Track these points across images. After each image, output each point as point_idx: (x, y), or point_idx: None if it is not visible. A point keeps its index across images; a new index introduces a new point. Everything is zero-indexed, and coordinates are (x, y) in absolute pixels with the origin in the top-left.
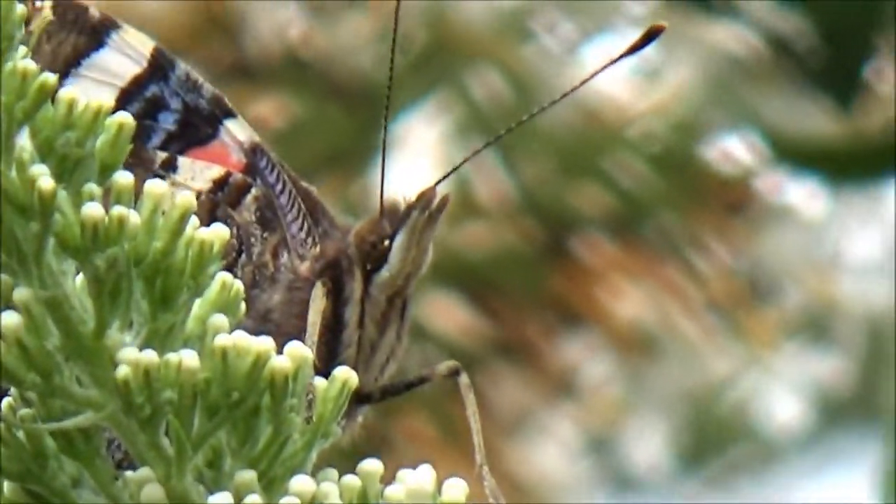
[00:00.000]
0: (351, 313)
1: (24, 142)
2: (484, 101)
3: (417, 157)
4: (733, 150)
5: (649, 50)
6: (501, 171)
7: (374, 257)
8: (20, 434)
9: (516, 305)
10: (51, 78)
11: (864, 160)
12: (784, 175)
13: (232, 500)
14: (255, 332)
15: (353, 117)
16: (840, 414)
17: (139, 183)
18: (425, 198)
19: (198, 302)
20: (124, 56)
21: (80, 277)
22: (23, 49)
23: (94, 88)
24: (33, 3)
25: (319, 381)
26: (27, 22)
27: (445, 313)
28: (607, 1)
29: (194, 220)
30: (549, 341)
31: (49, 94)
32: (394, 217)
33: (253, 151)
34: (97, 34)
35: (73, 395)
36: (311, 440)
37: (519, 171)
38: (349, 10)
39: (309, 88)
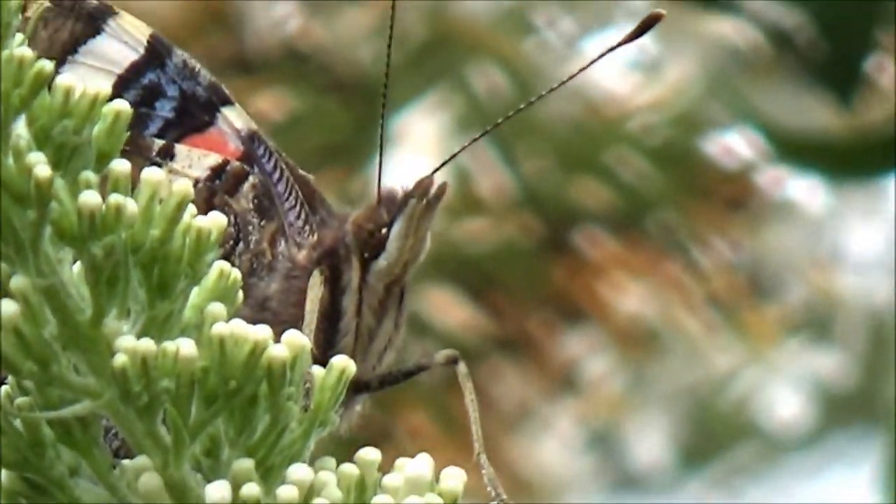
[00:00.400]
0: (348, 302)
1: (20, 129)
2: (484, 95)
3: (417, 151)
4: (734, 144)
5: (649, 43)
6: (501, 166)
7: (371, 245)
8: (17, 423)
9: (517, 300)
10: (48, 65)
11: (865, 155)
12: (785, 170)
13: (229, 489)
14: (253, 321)
15: (352, 111)
16: (841, 410)
17: (136, 171)
18: (423, 186)
19: (195, 290)
20: (121, 43)
21: (78, 266)
22: (20, 36)
23: (91, 76)
24: None
25: (317, 370)
26: (24, 9)
27: (446, 308)
28: None
29: (192, 208)
30: (549, 336)
31: (46, 82)
32: (391, 205)
33: (250, 139)
34: (94, 21)
35: (71, 384)
36: (308, 429)
37: (519, 165)
38: (348, 3)
39: (308, 82)
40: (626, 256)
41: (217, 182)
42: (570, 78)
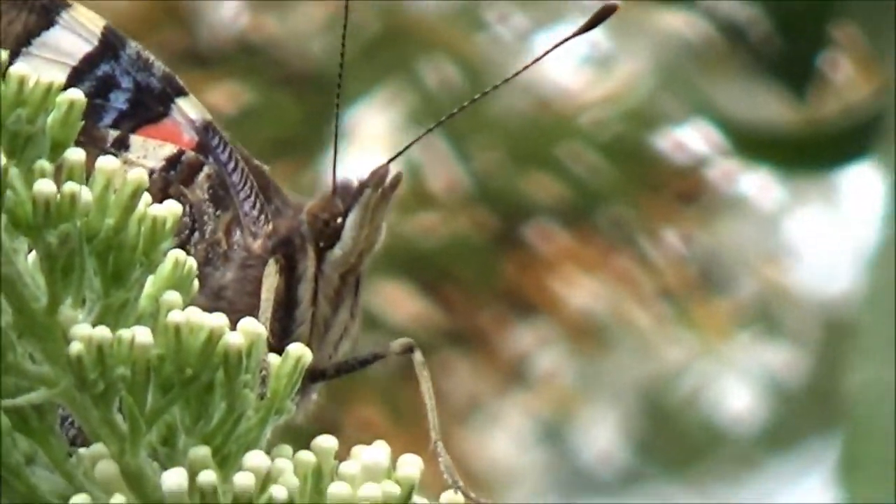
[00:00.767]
0: (304, 290)
1: None
2: (436, 89)
3: (369, 144)
4: (686, 139)
5: (601, 38)
6: (453, 160)
7: (326, 235)
8: None
9: (468, 294)
10: (2, 55)
11: (818, 149)
12: (737, 164)
13: (186, 477)
14: (209, 310)
15: (304, 104)
16: (793, 404)
17: (91, 162)
18: (378, 175)
19: (151, 279)
20: (75, 35)
21: (33, 255)
22: None
23: (45, 67)
24: None
25: (273, 358)
26: None
27: (397, 302)
28: None
29: (146, 197)
30: (500, 330)
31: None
32: (346, 195)
33: (205, 129)
34: (48, 13)
35: (26, 372)
36: (265, 416)
37: (471, 159)
38: None
39: (260, 76)
40: (577, 250)
41: (172, 172)
42: (523, 69)
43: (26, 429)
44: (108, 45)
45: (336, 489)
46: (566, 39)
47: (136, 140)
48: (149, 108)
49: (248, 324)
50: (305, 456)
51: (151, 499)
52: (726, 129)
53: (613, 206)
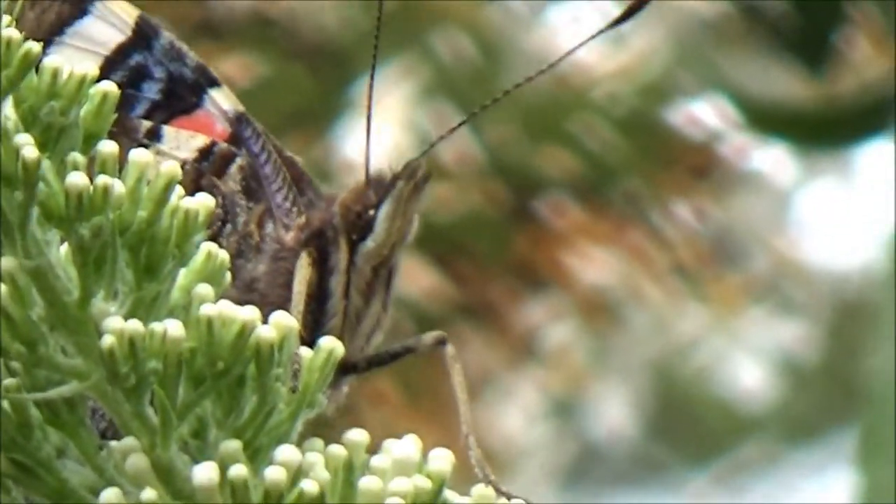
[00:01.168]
0: (336, 283)
1: (7, 111)
2: (450, 62)
3: (383, 118)
4: (700, 114)
5: (617, 12)
6: (467, 134)
7: (359, 227)
8: (5, 404)
9: (481, 268)
10: (35, 46)
11: (833, 126)
12: (752, 140)
13: (217, 471)
14: (240, 302)
15: (318, 77)
16: (805, 380)
17: (123, 152)
18: (411, 168)
19: (183, 272)
20: (108, 24)
21: (65, 247)
22: (6, 17)
23: (77, 57)
24: None
25: (305, 351)
26: None
27: (410, 276)
28: None
29: (179, 190)
30: (512, 304)
31: (33, 63)
32: (379, 187)
33: (238, 121)
34: (81, 2)
35: (58, 365)
36: (296, 410)
37: (485, 133)
38: None
39: (274, 48)
40: (590, 225)
41: (204, 164)
42: (559, 61)
43: (57, 422)
44: (141, 35)
45: (367, 483)
46: (600, 32)
47: (168, 131)
48: (181, 98)
49: (279, 317)
50: (336, 450)
51: (182, 493)
52: (741, 105)
53: (627, 181)
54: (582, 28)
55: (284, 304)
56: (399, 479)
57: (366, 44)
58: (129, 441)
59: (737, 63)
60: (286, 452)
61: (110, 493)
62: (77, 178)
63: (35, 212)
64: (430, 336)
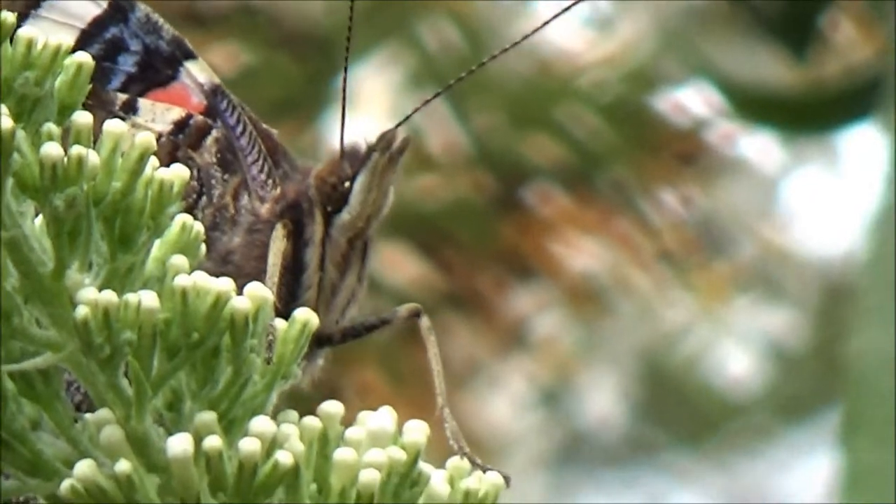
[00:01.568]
0: (311, 255)
1: None
2: (436, 50)
3: (368, 106)
4: (686, 100)
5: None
6: (453, 122)
7: (334, 199)
8: None
9: (467, 257)
10: (9, 17)
11: (818, 110)
12: (738, 126)
13: (191, 442)
14: (216, 274)
15: (304, 65)
16: (793, 368)
17: (98, 124)
18: (386, 139)
19: (157, 243)
20: None
21: (39, 218)
22: None
23: (53, 30)
24: None
25: (280, 323)
26: None
27: (396, 264)
28: None
29: (154, 161)
30: (500, 293)
31: (8, 34)
32: (354, 159)
33: (213, 93)
34: None
35: (32, 337)
36: (271, 381)
37: (470, 121)
38: None
39: (260, 36)
40: (577, 213)
41: (180, 136)
42: (526, 37)
43: (31, 394)
44: (118, 8)
45: (342, 455)
46: (567, 8)
47: (144, 103)
48: (157, 71)
49: (254, 288)
50: (311, 422)
51: (157, 464)
52: (726, 91)
53: (613, 169)
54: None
55: (259, 276)
56: (374, 450)
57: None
58: (103, 413)
59: (722, 49)
60: (261, 424)
61: (84, 466)
62: (51, 149)
63: (9, 182)
64: (405, 308)
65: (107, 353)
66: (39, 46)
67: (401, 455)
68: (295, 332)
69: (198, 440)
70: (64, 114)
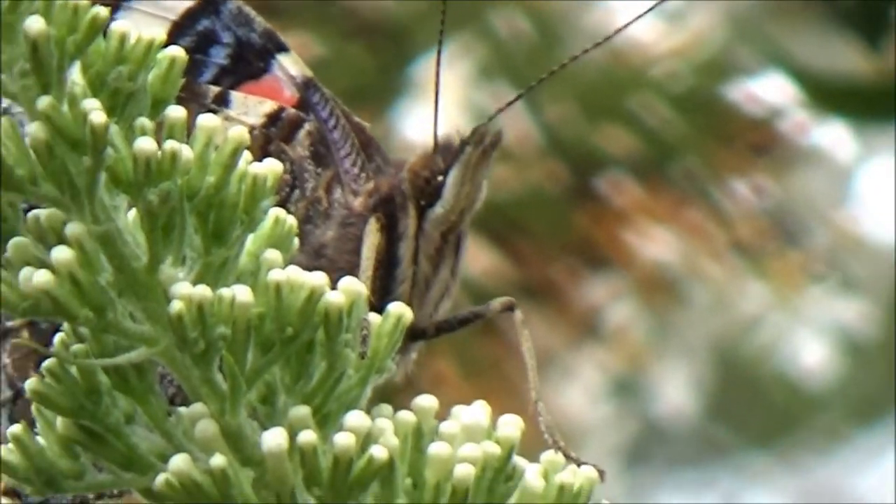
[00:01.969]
0: (405, 249)
1: (75, 76)
2: (508, 41)
3: (441, 97)
4: (759, 90)
5: None
6: (526, 113)
7: (427, 193)
8: (73, 370)
9: (541, 247)
10: (102, 11)
11: (892, 99)
12: (811, 115)
13: (286, 436)
14: (309, 268)
15: (376, 56)
16: (866, 357)
17: (191, 118)
18: (479, 133)
19: (251, 237)
20: None
21: (133, 212)
22: None
23: (145, 22)
24: None
25: (374, 317)
26: None
27: (470, 255)
28: None
29: (247, 155)
30: (573, 283)
31: (101, 28)
32: (447, 153)
33: (306, 86)
34: None
35: (127, 331)
36: (365, 376)
37: (544, 112)
38: None
39: (333, 26)
40: (650, 203)
41: (273, 129)
42: (612, 36)
43: (126, 388)
44: (209, 0)
45: (436, 449)
46: (657, 4)
47: (236, 96)
48: (249, 64)
49: (348, 282)
50: (405, 416)
51: (251, 459)
52: (800, 81)
53: (686, 158)
54: (639, 6)
55: (353, 270)
56: (468, 445)
57: (424, 22)
58: (197, 407)
59: (795, 38)
60: (355, 418)
61: (179, 460)
62: (145, 143)
63: (103, 177)
64: (498, 302)
65: (201, 348)
66: (132, 40)
67: (495, 449)
68: (389, 326)
69: (292, 434)
70: (157, 108)
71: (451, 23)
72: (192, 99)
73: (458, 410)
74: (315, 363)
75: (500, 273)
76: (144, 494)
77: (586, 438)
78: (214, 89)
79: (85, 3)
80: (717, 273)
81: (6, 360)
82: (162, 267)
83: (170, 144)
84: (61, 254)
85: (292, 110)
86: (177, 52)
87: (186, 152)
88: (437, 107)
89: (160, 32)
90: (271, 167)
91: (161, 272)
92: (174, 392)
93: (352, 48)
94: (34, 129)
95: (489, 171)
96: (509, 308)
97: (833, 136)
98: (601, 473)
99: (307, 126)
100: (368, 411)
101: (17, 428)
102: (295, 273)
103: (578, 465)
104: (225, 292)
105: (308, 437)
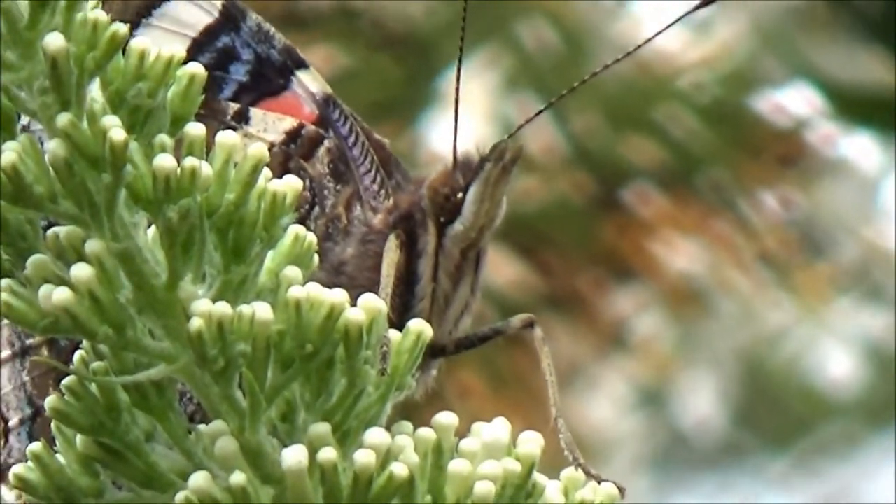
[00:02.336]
0: (424, 266)
1: (95, 93)
2: (535, 52)
3: (467, 108)
4: (786, 101)
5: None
6: (552, 124)
7: (447, 210)
8: (93, 387)
9: (567, 258)
10: (122, 28)
11: None
12: (838, 127)
13: (306, 454)
14: (329, 285)
15: (403, 67)
16: (889, 366)
17: (211, 134)
18: (499, 150)
19: (270, 254)
20: (196, 6)
21: (153, 229)
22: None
23: (165, 39)
24: None
25: (394, 334)
26: None
27: (497, 266)
28: None
29: (267, 172)
30: (599, 294)
31: (120, 45)
32: (467, 169)
33: (325, 103)
34: None
35: (146, 348)
36: (385, 393)
37: (569, 123)
38: None
39: (359, 39)
40: (676, 214)
41: (292, 146)
42: (638, 48)
43: (145, 405)
44: (229, 17)
45: (456, 466)
46: (685, 15)
47: (256, 113)
48: (269, 80)
49: (368, 299)
50: (425, 433)
51: (271, 476)
52: (827, 92)
53: (712, 170)
54: (666, 17)
55: (373, 287)
56: (489, 462)
57: (450, 34)
58: (217, 424)
59: (822, 50)
60: (376, 435)
61: (199, 477)
62: (165, 161)
63: (122, 194)
64: (518, 319)
65: (221, 365)
66: (152, 57)
67: (515, 466)
68: (409, 343)
69: (312, 452)
70: (176, 125)
71: (478, 34)
72: (211, 116)
73: (479, 427)
74: (335, 380)
75: (526, 284)
76: None
77: (612, 449)
78: (234, 106)
79: (105, 19)
80: (744, 284)
81: (26, 377)
82: (181, 284)
83: (189, 161)
84: (81, 271)
85: (312, 127)
86: (196, 68)
87: (206, 169)
88: (456, 123)
89: (180, 49)
90: (291, 184)
91: (181, 289)
92: (194, 409)
93: (378, 60)
94: (54, 147)
95: (509, 186)
96: (529, 325)
97: (859, 148)
98: (621, 490)
99: (327, 143)
100: (388, 428)
101: (36, 446)
102: (315, 290)
103: (599, 483)
104: (245, 309)
105: (328, 454)
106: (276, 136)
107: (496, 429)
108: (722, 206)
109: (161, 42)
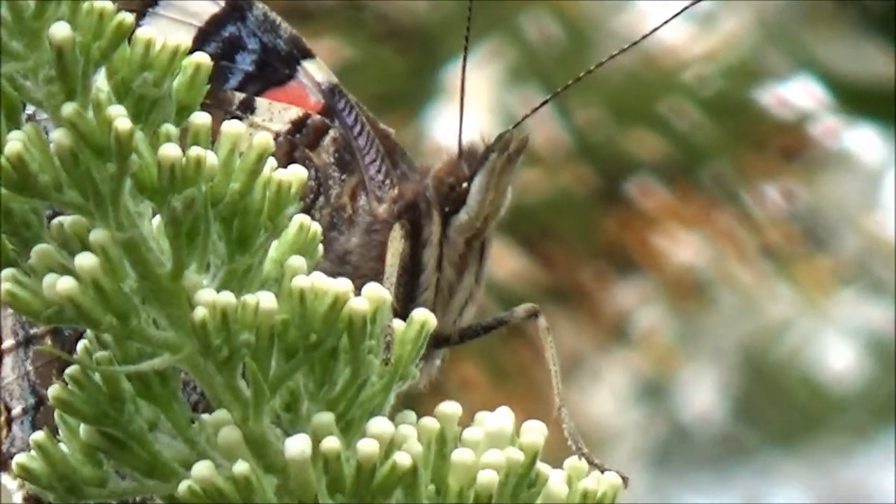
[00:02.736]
0: (429, 255)
1: (100, 82)
2: (538, 45)
3: (471, 100)
4: (789, 95)
5: None
6: (555, 117)
7: (452, 199)
8: (96, 377)
9: (570, 251)
10: (128, 17)
11: None
12: (841, 120)
13: (310, 443)
14: (333, 275)
15: (407, 60)
16: (891, 359)
17: (216, 124)
18: (504, 140)
19: (275, 244)
20: None
21: (157, 219)
22: None
23: (171, 28)
24: None
25: (398, 324)
26: None
27: (499, 259)
28: None
29: (272, 162)
30: (602, 287)
31: (126, 34)
32: (472, 159)
33: (331, 92)
34: None
35: (150, 338)
36: (389, 382)
37: (573, 116)
38: None
39: (364, 30)
40: (678, 207)
41: (298, 136)
42: (641, 40)
43: (149, 394)
44: (235, 6)
45: (460, 455)
46: (688, 6)
47: (261, 103)
48: (275, 70)
49: (372, 289)
50: (429, 422)
51: (275, 465)
52: (830, 85)
53: (715, 162)
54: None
55: (377, 277)
56: (492, 451)
57: (454, 27)
58: (221, 414)
59: (825, 43)
60: (379, 425)
61: (202, 467)
62: (170, 150)
63: (128, 183)
64: (522, 308)
65: (225, 355)
66: (158, 47)
67: (519, 456)
68: (413, 332)
69: (316, 441)
70: (182, 114)
71: (482, 27)
72: (216, 105)
73: (482, 417)
74: (339, 370)
75: (528, 277)
76: (167, 501)
77: (614, 441)
78: (240, 95)
79: (110, 8)
80: (746, 277)
81: (29, 367)
82: (186, 273)
83: (194, 151)
84: (85, 260)
85: (317, 117)
86: (202, 58)
87: (211, 159)
88: (461, 114)
89: (186, 39)
90: (296, 174)
91: (185, 279)
92: (197, 399)
93: (383, 52)
94: (59, 136)
95: (514, 177)
96: (533, 314)
97: (862, 141)
98: (625, 480)
99: (332, 132)
100: (392, 418)
101: (40, 435)
102: (319, 279)
103: (602, 472)
104: (249, 299)
105: (331, 443)
106: (282, 126)
107: (500, 418)
108: (725, 199)
109: (167, 31)
